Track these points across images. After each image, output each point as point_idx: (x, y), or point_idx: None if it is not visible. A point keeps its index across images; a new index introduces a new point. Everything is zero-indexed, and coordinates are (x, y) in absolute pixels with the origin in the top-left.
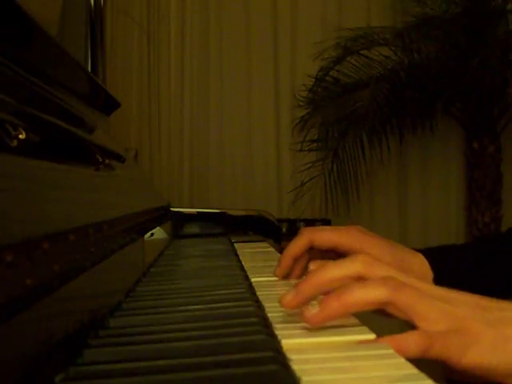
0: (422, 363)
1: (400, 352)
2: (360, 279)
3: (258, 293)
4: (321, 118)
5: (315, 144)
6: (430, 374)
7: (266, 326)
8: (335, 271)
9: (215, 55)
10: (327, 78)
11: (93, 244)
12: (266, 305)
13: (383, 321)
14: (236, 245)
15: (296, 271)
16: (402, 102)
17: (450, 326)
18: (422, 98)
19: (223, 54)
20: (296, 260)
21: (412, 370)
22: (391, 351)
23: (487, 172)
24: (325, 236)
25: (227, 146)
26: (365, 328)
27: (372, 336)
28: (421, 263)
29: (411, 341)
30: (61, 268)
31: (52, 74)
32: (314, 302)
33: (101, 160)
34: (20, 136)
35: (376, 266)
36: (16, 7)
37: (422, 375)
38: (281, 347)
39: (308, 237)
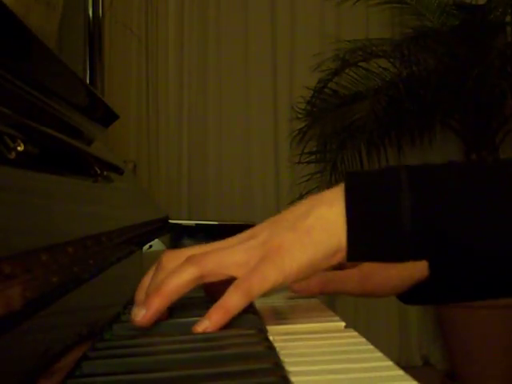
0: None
1: (228, 313)
2: (202, 278)
3: (256, 304)
4: (319, 130)
5: (314, 156)
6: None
7: (264, 337)
8: (179, 281)
9: (213, 67)
10: (326, 89)
11: (91, 256)
12: (265, 315)
13: (381, 324)
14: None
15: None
16: (401, 113)
17: (262, 255)
18: (420, 110)
19: (221, 66)
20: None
21: (411, 382)
22: (390, 363)
23: None
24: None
25: (225, 159)
26: (363, 340)
27: (362, 339)
28: None
29: (233, 295)
30: (59, 280)
31: (50, 86)
32: (140, 307)
33: (99, 172)
34: (18, 148)
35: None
36: (15, 20)
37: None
38: (280, 359)
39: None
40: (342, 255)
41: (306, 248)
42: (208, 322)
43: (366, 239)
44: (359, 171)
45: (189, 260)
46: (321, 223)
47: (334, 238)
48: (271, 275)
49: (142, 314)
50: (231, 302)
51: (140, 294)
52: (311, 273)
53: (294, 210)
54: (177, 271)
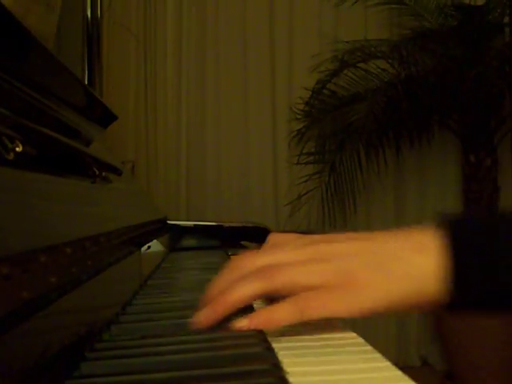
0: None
1: (273, 322)
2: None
3: (254, 305)
4: (318, 130)
5: (312, 157)
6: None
7: (262, 338)
8: (246, 292)
9: (212, 68)
10: (324, 90)
11: (90, 257)
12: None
13: (379, 324)
14: (233, 257)
15: None
16: (399, 114)
17: (337, 282)
18: (418, 111)
19: (220, 67)
20: None
21: (409, 382)
22: (388, 364)
23: (484, 185)
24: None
25: (224, 159)
26: (362, 341)
27: (374, 354)
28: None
29: (284, 308)
30: (57, 281)
31: (49, 86)
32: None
33: (97, 173)
34: (17, 149)
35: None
36: (13, 20)
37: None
38: (278, 360)
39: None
40: (426, 303)
41: (385, 291)
42: (247, 323)
43: (472, 290)
44: (451, 217)
45: (261, 272)
46: (408, 269)
47: (421, 286)
48: (334, 306)
49: (204, 315)
50: (281, 314)
51: (210, 294)
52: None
53: (381, 244)
54: (247, 281)
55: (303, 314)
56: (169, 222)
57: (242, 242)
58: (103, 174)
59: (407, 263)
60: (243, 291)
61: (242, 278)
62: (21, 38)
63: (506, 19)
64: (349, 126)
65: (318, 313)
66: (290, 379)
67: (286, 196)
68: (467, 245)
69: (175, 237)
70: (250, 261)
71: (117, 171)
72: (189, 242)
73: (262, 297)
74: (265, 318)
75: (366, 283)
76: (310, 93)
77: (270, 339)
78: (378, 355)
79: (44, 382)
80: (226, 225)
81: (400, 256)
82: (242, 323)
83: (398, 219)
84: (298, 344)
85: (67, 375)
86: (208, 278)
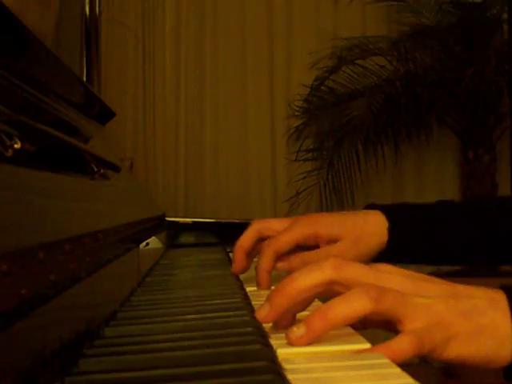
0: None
1: (395, 357)
2: (332, 284)
3: (253, 302)
4: (316, 127)
5: (310, 154)
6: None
7: (261, 335)
8: (306, 281)
9: (210, 64)
10: (322, 87)
11: (88, 253)
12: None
13: (377, 332)
14: (231, 254)
15: (247, 265)
16: (398, 111)
17: (429, 321)
18: (417, 108)
19: (218, 64)
20: (249, 252)
21: (408, 379)
22: (386, 361)
23: (482, 182)
24: (274, 226)
25: (222, 156)
26: (360, 337)
27: (367, 345)
28: (377, 221)
29: (405, 344)
30: (56, 277)
31: (47, 83)
32: (299, 324)
33: (96, 169)
34: (15, 145)
35: (346, 269)
36: (11, 17)
37: None
38: (276, 357)
39: (256, 228)
40: (495, 365)
41: (471, 341)
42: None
43: None
44: None
45: (367, 291)
46: (493, 328)
47: (500, 346)
48: (437, 343)
49: (300, 335)
50: (404, 347)
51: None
52: (458, 365)
53: (472, 293)
54: (350, 299)
55: (422, 350)
56: (167, 218)
57: None
58: (102, 170)
59: (493, 320)
60: (347, 310)
61: (346, 295)
62: (19, 35)
63: (505, 16)
64: (347, 122)
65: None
66: (289, 376)
67: (284, 193)
68: None
69: (173, 234)
70: (341, 272)
71: (115, 168)
72: (187, 238)
73: (364, 317)
74: (389, 352)
75: (455, 332)
76: (309, 89)
77: (273, 344)
78: (386, 360)
79: (43, 378)
80: (225, 221)
81: (488, 311)
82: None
83: None
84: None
85: (66, 372)
86: (206, 274)
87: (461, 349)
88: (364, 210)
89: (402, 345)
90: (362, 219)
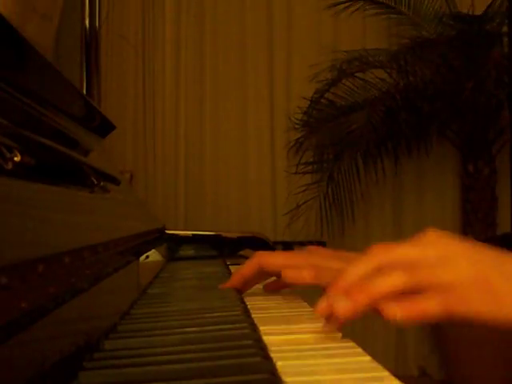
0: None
1: (422, 315)
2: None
3: (253, 315)
4: (316, 140)
5: (310, 166)
6: None
7: (261, 348)
8: (386, 285)
9: (210, 77)
10: (322, 100)
11: (88, 266)
12: (262, 327)
13: (378, 334)
14: (231, 267)
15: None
16: (397, 124)
17: (470, 285)
18: (417, 121)
19: (218, 76)
20: (247, 281)
21: None
22: (386, 374)
23: (482, 194)
24: (272, 261)
25: (222, 169)
26: (360, 350)
27: (367, 358)
28: None
29: (431, 304)
30: (56, 290)
31: (47, 96)
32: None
33: (96, 182)
34: (15, 158)
35: (417, 272)
36: (11, 30)
37: None
38: (276, 369)
39: (257, 261)
40: None
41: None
42: (400, 312)
43: None
44: None
45: (403, 266)
46: None
47: None
48: (479, 306)
49: (344, 306)
50: (429, 308)
51: (347, 282)
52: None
53: (504, 261)
54: (390, 275)
55: (450, 312)
56: (167, 231)
57: (243, 252)
58: (101, 183)
59: None
60: (386, 285)
61: (384, 270)
62: (19, 48)
63: (505, 29)
64: (347, 135)
65: (463, 312)
66: None
67: (284, 205)
68: None
69: (173, 246)
70: (391, 253)
71: (115, 181)
72: (187, 251)
73: (402, 291)
74: (415, 309)
75: (502, 292)
76: (309, 102)
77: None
78: (376, 365)
79: None
80: (224, 234)
81: None
82: (395, 313)
83: (396, 229)
84: (298, 354)
85: None
86: (206, 287)
87: (499, 310)
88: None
89: (429, 304)
90: None
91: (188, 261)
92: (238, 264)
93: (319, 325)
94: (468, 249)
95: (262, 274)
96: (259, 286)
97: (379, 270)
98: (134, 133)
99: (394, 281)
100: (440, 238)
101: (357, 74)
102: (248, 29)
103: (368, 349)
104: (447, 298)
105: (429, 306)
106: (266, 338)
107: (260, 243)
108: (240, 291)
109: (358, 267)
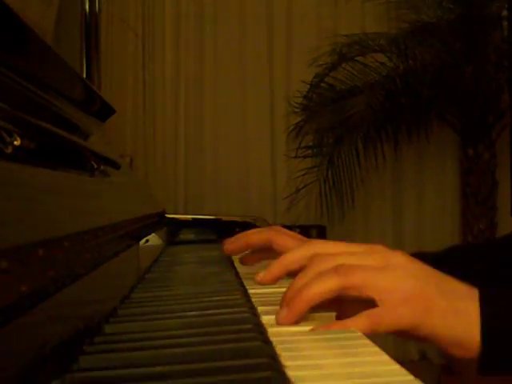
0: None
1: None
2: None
3: (253, 299)
4: (316, 124)
5: (310, 150)
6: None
7: (260, 332)
8: (320, 288)
9: (210, 61)
10: (322, 84)
11: (88, 250)
12: (261, 310)
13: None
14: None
15: (251, 259)
16: (397, 108)
17: (404, 295)
18: (417, 105)
19: (218, 60)
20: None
21: (408, 376)
22: (387, 358)
23: (482, 179)
24: (283, 244)
25: (222, 153)
26: (359, 334)
27: (367, 341)
28: None
29: (357, 324)
30: (56, 274)
31: (47, 80)
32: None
33: (96, 166)
34: (15, 142)
35: (352, 274)
36: (11, 13)
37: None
38: (275, 353)
39: (269, 238)
40: (463, 353)
41: (446, 318)
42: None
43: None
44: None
45: (336, 270)
46: (466, 313)
47: (470, 332)
48: (407, 319)
49: (284, 315)
50: (357, 327)
51: (289, 293)
52: (429, 340)
53: (453, 280)
54: (322, 278)
55: (377, 327)
56: (167, 215)
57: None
58: (101, 167)
59: (466, 306)
60: (319, 288)
61: (319, 275)
62: (19, 32)
63: (505, 13)
64: (347, 119)
65: (390, 326)
66: (289, 373)
67: (284, 189)
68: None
69: (173, 230)
70: (323, 260)
71: (115, 165)
72: (187, 235)
73: (336, 293)
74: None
75: (433, 306)
76: (308, 86)
77: (273, 340)
78: (376, 349)
79: (43, 375)
80: (224, 218)
81: (461, 297)
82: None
83: (396, 213)
84: (297, 338)
85: (66, 369)
86: (206, 271)
87: (436, 324)
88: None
89: (358, 323)
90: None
91: (188, 245)
92: None
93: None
94: (408, 262)
95: (268, 249)
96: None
97: (318, 274)
98: (134, 117)
99: (325, 285)
100: (383, 250)
101: (357, 58)
102: (248, 13)
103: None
104: (374, 313)
105: (356, 326)
106: (266, 323)
107: (259, 227)
108: (236, 253)
109: (299, 278)
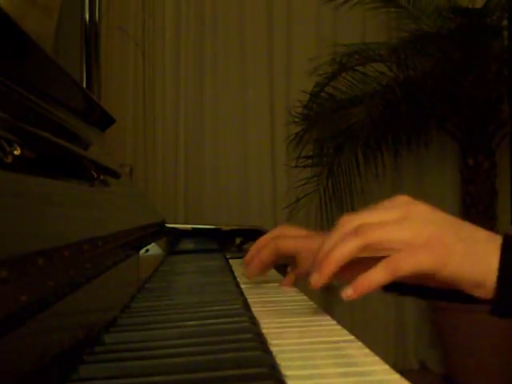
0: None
1: (369, 285)
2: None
3: (253, 309)
4: (316, 134)
5: (310, 160)
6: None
7: (261, 342)
8: (345, 249)
9: (210, 70)
10: (322, 93)
11: (88, 260)
12: (261, 321)
13: (378, 327)
14: (231, 261)
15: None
16: (397, 117)
17: (423, 240)
18: (416, 114)
19: (218, 70)
20: (267, 267)
21: None
22: (386, 367)
23: (482, 188)
24: (288, 244)
25: (222, 163)
26: (360, 344)
27: (367, 351)
28: None
29: (377, 273)
30: (56, 284)
31: (47, 90)
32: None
33: (96, 176)
34: (15, 152)
35: (371, 232)
36: (11, 23)
37: None
38: (276, 363)
39: (275, 246)
40: (484, 294)
41: (465, 261)
42: (351, 292)
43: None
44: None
45: (357, 230)
46: (485, 256)
47: (487, 275)
48: (425, 261)
49: (315, 279)
50: (376, 277)
51: (317, 257)
52: (451, 283)
53: (474, 227)
54: (344, 240)
55: (396, 272)
56: (167, 225)
57: (244, 246)
58: (101, 177)
59: (485, 250)
60: (342, 250)
61: (341, 239)
62: (19, 41)
63: (505, 22)
64: (347, 129)
65: (409, 268)
66: (288, 383)
67: (284, 199)
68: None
69: (173, 240)
70: (347, 222)
71: (115, 174)
72: (187, 245)
73: (359, 253)
74: (363, 283)
75: (452, 250)
76: (309, 96)
77: (273, 350)
78: (376, 358)
79: None
80: (224, 228)
81: (480, 241)
82: (348, 293)
83: None
84: (297, 348)
85: (66, 378)
86: (206, 281)
87: (455, 268)
88: None
89: (378, 272)
90: None
91: (188, 254)
92: (238, 258)
93: (320, 317)
94: (428, 211)
95: (279, 256)
96: (258, 280)
97: (341, 237)
98: (134, 126)
99: (347, 247)
100: (405, 202)
101: (357, 68)
102: (248, 22)
103: (368, 342)
104: (392, 259)
105: (375, 276)
106: (266, 332)
107: (260, 237)
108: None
109: (325, 242)
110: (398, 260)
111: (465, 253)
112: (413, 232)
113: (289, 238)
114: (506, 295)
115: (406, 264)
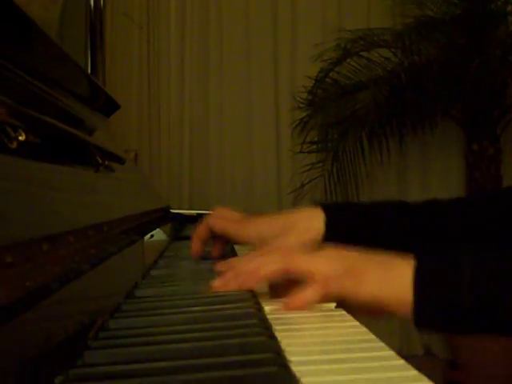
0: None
1: (303, 304)
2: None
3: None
4: (321, 119)
5: (315, 146)
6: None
7: (266, 327)
8: (267, 270)
9: (215, 56)
10: (327, 79)
11: (92, 245)
12: (266, 307)
13: (383, 317)
14: (236, 246)
15: (214, 252)
16: (402, 103)
17: (341, 270)
18: (421, 100)
19: (223, 56)
20: (204, 241)
21: (412, 371)
22: (391, 353)
23: (487, 174)
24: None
25: (227, 148)
26: (365, 330)
27: (372, 337)
28: (310, 217)
29: (310, 292)
30: (61, 269)
31: (52, 75)
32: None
33: (100, 162)
34: (20, 137)
35: (295, 258)
36: (16, 9)
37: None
38: (281, 349)
39: (207, 223)
40: (399, 310)
41: (382, 285)
42: (285, 306)
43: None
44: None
45: (284, 254)
46: (400, 276)
47: (404, 293)
48: (349, 287)
49: (222, 283)
50: (308, 295)
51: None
52: (373, 307)
53: (375, 256)
54: (272, 260)
55: (326, 294)
56: (171, 210)
57: None
58: (106, 162)
59: (399, 271)
60: (269, 268)
61: (267, 259)
62: (24, 27)
63: (510, 8)
64: (352, 114)
65: (337, 294)
66: (293, 368)
67: (289, 185)
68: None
69: (178, 225)
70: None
71: (120, 160)
72: (192, 230)
73: (280, 276)
74: (297, 301)
75: (365, 274)
76: (313, 81)
77: (278, 336)
78: (381, 344)
79: (47, 370)
80: None
81: (395, 264)
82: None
83: None
84: (302, 333)
85: (70, 364)
86: (211, 266)
87: (374, 289)
88: (301, 208)
89: (307, 293)
90: (292, 217)
91: None
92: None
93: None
94: (341, 251)
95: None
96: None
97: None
98: (139, 112)
99: (272, 266)
100: (326, 249)
101: (361, 53)
102: (252, 8)
103: (372, 328)
104: (323, 284)
105: (308, 294)
106: (271, 318)
107: None
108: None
109: (271, 267)
110: (330, 286)
111: (379, 278)
112: (333, 265)
113: (219, 218)
114: (422, 317)
115: (336, 290)
